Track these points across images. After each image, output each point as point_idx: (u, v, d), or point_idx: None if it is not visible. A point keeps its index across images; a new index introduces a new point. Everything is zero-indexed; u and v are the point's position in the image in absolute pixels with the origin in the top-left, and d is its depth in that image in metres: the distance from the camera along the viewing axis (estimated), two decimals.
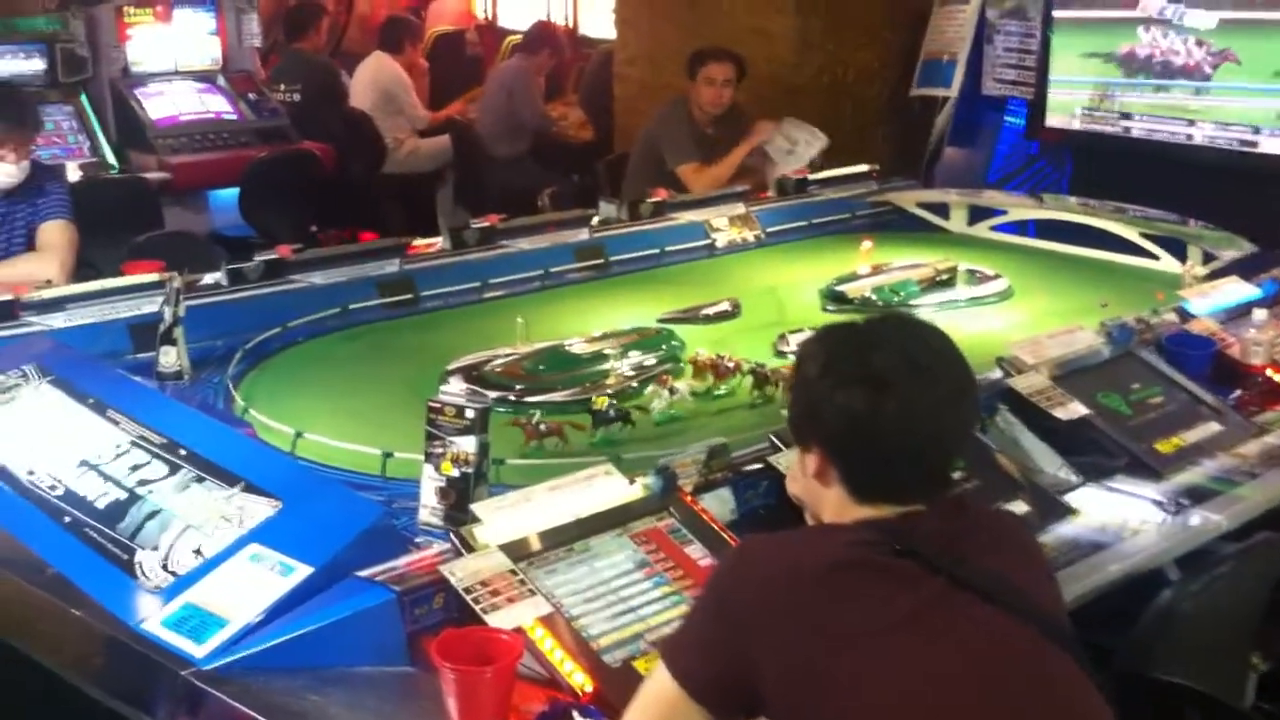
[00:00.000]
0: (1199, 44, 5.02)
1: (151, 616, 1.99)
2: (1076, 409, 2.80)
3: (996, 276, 4.01)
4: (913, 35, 6.19)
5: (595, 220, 4.33)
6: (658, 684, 1.64)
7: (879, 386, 1.65)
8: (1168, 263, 4.17)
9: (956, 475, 1.77)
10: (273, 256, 3.55)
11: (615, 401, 2.79)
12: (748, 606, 1.59)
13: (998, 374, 2.88)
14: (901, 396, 1.65)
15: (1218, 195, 4.61)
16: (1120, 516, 2.56)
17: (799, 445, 1.78)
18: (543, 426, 2.68)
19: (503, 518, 2.09)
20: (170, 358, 3.03)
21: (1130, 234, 4.32)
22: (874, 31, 6.27)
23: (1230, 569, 2.41)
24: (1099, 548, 2.43)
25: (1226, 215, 4.31)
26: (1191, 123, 5.09)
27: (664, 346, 3.28)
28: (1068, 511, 2.54)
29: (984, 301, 3.88)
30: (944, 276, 3.95)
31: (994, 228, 4.77)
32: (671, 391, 2.90)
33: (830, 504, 1.74)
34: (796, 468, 1.80)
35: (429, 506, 2.31)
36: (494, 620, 1.91)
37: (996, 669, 1.57)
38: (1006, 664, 1.58)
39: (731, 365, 3.04)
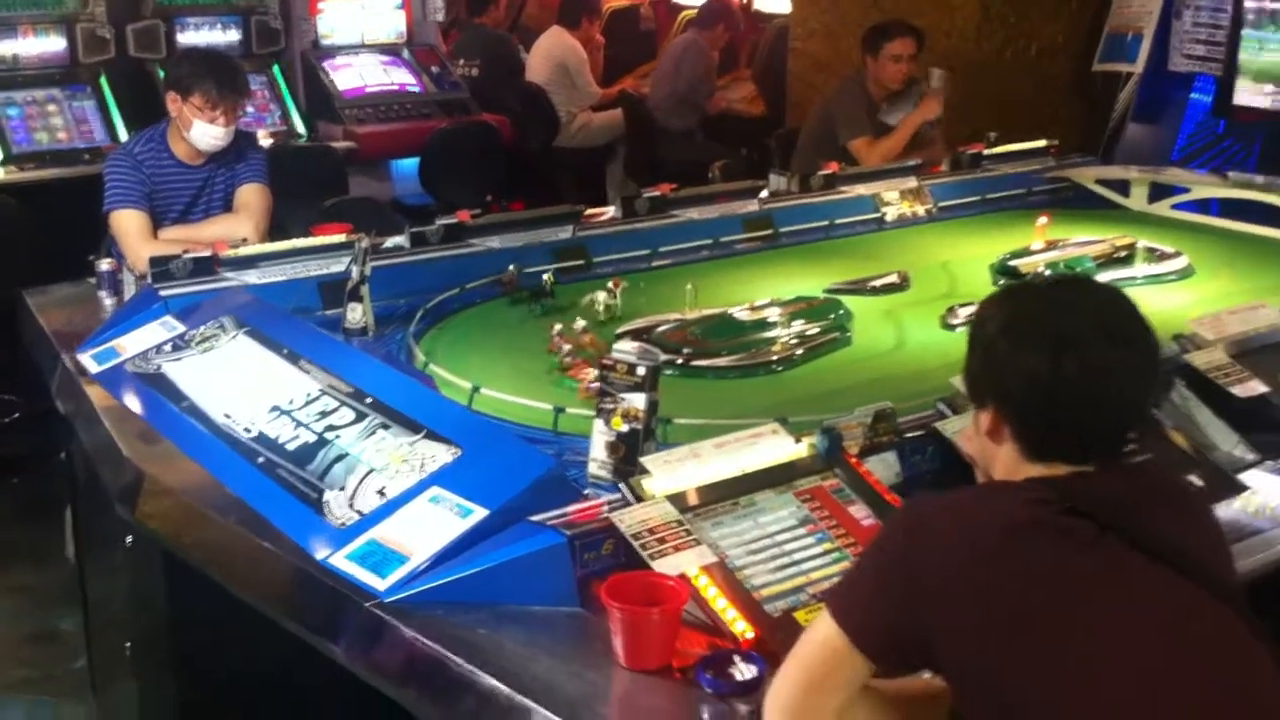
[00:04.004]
0: None
1: (337, 552, 2.11)
2: (1255, 386, 2.73)
3: (1176, 254, 3.91)
4: (1098, 9, 6.04)
5: (765, 192, 4.36)
6: (821, 633, 1.65)
7: (1063, 347, 1.64)
8: None
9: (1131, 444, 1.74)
10: (453, 221, 3.67)
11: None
12: (925, 566, 1.58)
13: (1175, 349, 2.83)
14: (1086, 359, 1.63)
15: None
16: None
17: (974, 403, 1.78)
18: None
19: (670, 471, 2.15)
20: (356, 314, 3.17)
21: None
22: (1058, 4, 6.14)
23: None
24: (1273, 525, 2.37)
25: None
26: None
27: (830, 315, 3.30)
28: (1241, 488, 2.49)
29: (1163, 280, 3.78)
30: (1121, 254, 3.87)
31: (1175, 206, 4.63)
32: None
33: (1002, 461, 1.74)
34: (971, 426, 1.81)
35: (599, 460, 2.37)
36: (660, 566, 1.97)
37: (1180, 632, 1.55)
38: (1188, 626, 1.56)
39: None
